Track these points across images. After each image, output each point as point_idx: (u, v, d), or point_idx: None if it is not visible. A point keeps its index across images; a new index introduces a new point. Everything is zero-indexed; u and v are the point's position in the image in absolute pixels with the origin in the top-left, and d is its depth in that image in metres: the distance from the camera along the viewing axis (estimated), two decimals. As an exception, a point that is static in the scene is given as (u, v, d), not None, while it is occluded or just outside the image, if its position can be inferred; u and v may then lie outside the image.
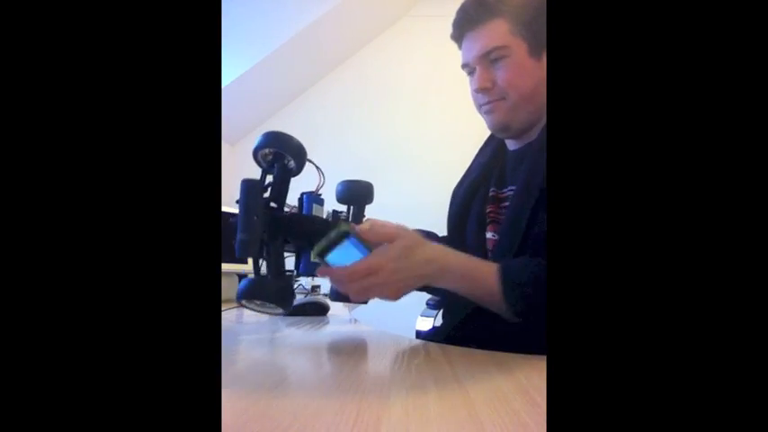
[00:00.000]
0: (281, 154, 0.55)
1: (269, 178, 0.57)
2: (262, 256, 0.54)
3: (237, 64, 2.41)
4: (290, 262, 0.60)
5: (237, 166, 2.71)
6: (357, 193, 0.72)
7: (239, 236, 0.50)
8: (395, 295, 0.55)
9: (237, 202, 0.52)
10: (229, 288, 1.23)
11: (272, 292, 0.52)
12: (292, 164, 0.56)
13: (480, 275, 0.59)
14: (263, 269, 0.56)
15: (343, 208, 0.72)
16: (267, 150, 0.55)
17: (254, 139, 0.57)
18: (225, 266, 1.17)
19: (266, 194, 0.55)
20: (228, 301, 1.18)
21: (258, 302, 0.54)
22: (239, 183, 0.52)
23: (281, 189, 0.56)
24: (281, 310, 0.54)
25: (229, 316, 0.86)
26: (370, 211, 0.74)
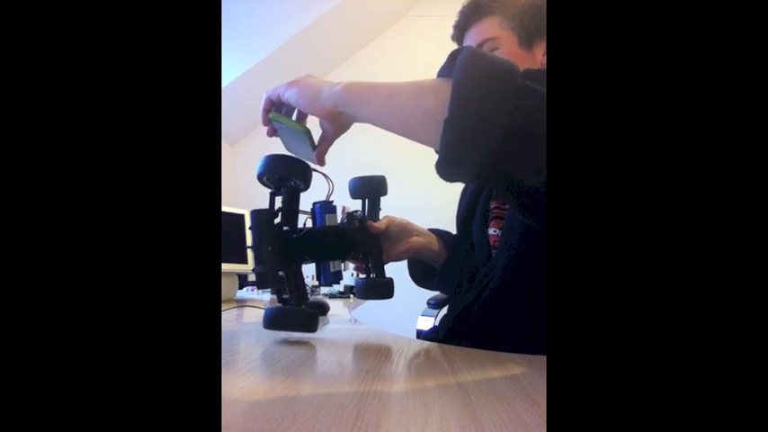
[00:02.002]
0: (285, 176, 0.56)
1: (278, 198, 0.57)
2: (282, 283, 0.55)
3: (237, 64, 2.41)
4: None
5: (237, 166, 2.71)
6: (369, 187, 0.72)
7: (255, 267, 0.52)
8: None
9: (250, 228, 0.54)
10: (229, 288, 1.23)
11: (297, 322, 0.54)
12: (298, 182, 0.56)
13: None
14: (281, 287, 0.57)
15: (357, 203, 0.72)
16: (270, 175, 0.56)
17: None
18: (225, 266, 1.17)
19: (278, 219, 0.56)
20: (228, 300, 1.18)
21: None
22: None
23: (290, 211, 0.57)
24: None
25: (229, 316, 0.86)
26: (385, 212, 0.75)
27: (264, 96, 0.55)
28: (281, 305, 0.56)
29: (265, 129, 0.58)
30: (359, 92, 0.47)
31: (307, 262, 0.60)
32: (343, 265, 0.74)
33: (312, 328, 0.55)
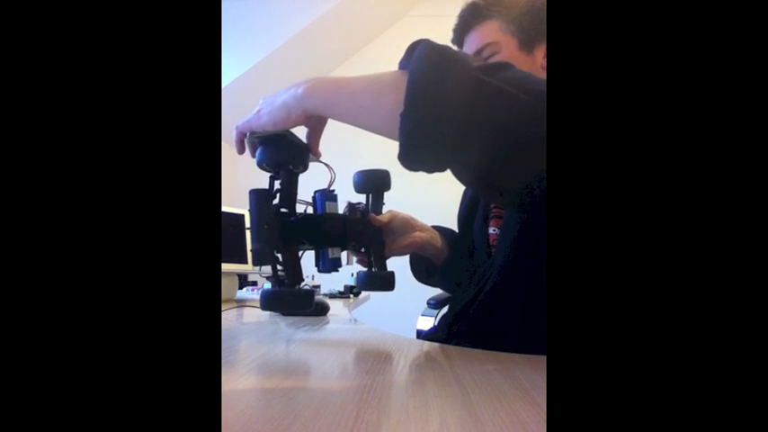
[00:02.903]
0: (283, 162, 0.56)
1: (278, 182, 0.58)
2: (278, 262, 0.56)
3: (237, 64, 2.41)
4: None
5: (237, 167, 2.71)
6: (373, 181, 0.72)
7: (252, 245, 0.53)
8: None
9: (249, 211, 0.54)
10: (229, 288, 1.24)
11: (292, 302, 0.54)
12: (296, 165, 0.57)
13: None
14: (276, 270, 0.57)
15: (361, 197, 0.73)
16: (268, 162, 0.57)
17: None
18: (225, 266, 1.17)
19: (276, 201, 0.57)
20: (228, 300, 1.18)
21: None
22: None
23: (289, 194, 0.57)
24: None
25: (229, 316, 0.86)
26: (390, 207, 0.75)
27: (235, 131, 0.56)
28: (276, 286, 0.56)
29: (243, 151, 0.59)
30: (322, 94, 0.48)
31: (304, 247, 0.61)
32: (347, 257, 0.74)
33: (308, 305, 0.55)
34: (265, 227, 0.53)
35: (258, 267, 0.56)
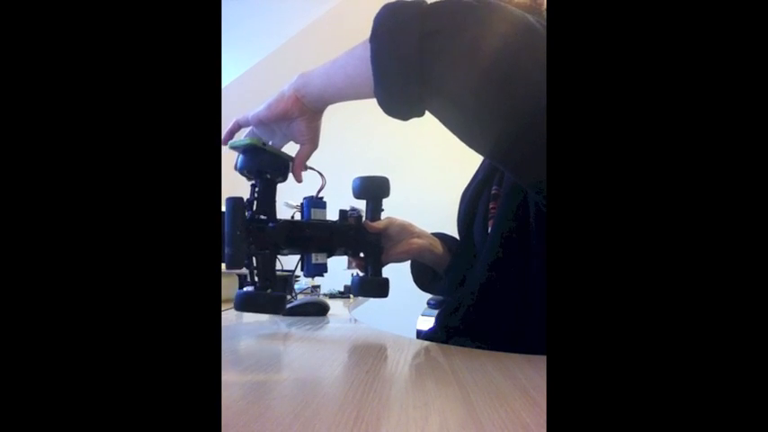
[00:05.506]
0: (259, 170, 0.59)
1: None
2: (252, 267, 0.58)
3: (237, 64, 2.41)
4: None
5: (237, 166, 2.70)
6: (372, 189, 0.74)
7: (225, 250, 0.56)
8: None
9: (224, 217, 0.57)
10: (229, 288, 1.23)
11: (263, 304, 0.57)
12: (273, 173, 0.59)
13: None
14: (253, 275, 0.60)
15: (360, 203, 0.74)
16: (247, 170, 0.59)
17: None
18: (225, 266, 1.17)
19: (255, 208, 0.59)
20: (228, 300, 1.18)
21: None
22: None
23: (266, 201, 0.60)
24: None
25: (229, 316, 0.86)
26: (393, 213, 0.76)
27: (233, 122, 0.61)
28: (251, 289, 0.58)
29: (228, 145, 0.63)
30: (310, 71, 0.55)
31: (282, 252, 0.63)
32: (347, 262, 0.76)
33: (277, 309, 0.57)
34: (238, 233, 0.55)
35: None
